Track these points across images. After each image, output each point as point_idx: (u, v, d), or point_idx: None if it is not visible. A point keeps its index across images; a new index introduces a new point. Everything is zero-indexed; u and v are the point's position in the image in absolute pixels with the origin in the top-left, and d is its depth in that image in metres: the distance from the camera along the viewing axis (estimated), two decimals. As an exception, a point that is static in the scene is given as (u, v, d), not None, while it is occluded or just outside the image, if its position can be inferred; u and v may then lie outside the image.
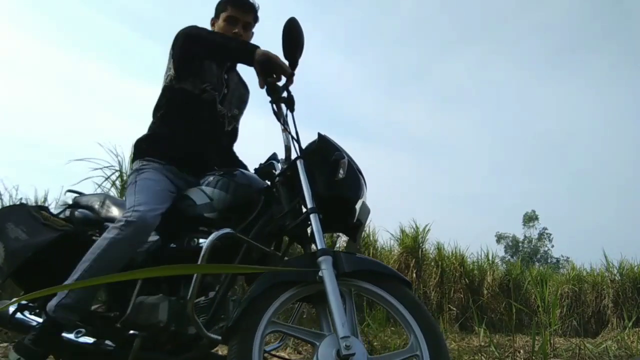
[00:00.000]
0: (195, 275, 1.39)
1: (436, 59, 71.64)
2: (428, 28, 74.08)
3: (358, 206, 1.49)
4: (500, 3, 73.31)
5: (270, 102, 1.59)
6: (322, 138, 1.58)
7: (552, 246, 39.14)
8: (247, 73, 1.96)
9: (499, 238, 39.90)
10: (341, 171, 1.45)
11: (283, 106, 1.61)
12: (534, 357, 2.87)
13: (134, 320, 1.49)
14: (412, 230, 6.40)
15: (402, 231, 6.46)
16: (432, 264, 6.35)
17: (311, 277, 1.29)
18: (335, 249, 1.45)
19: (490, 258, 6.93)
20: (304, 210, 1.44)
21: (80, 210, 1.92)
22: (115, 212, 1.86)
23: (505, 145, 65.06)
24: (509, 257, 34.58)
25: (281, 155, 1.71)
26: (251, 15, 1.87)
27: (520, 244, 39.96)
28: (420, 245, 6.32)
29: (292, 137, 1.59)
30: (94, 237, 1.72)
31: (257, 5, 1.88)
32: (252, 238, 1.53)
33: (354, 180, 1.50)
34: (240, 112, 2.01)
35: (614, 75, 62.77)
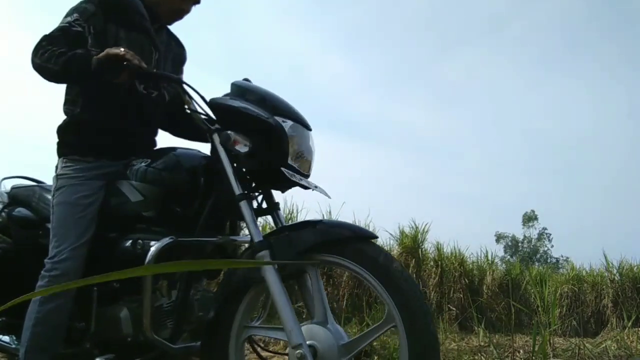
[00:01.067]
0: (145, 284, 1.30)
1: (436, 59, 71.63)
2: (428, 28, 74.05)
3: (295, 161, 1.33)
4: (500, 3, 73.28)
5: (145, 90, 1.45)
6: (213, 103, 1.39)
7: (552, 246, 39.19)
8: (176, 28, 1.81)
9: (499, 238, 39.90)
10: (246, 143, 1.29)
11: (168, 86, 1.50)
12: (533, 357, 2.86)
13: (99, 336, 1.42)
14: (412, 230, 6.40)
15: (402, 231, 6.45)
16: (432, 263, 6.34)
17: (257, 278, 1.21)
18: (274, 232, 1.29)
19: (489, 258, 6.93)
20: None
21: (18, 209, 1.72)
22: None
23: (505, 145, 65.05)
24: (509, 257, 34.56)
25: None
26: None
27: (519, 244, 39.97)
28: (420, 245, 6.31)
29: (196, 111, 1.44)
30: (40, 240, 1.60)
31: None
32: (201, 228, 1.40)
33: (275, 141, 1.30)
34: (180, 73, 1.86)
35: (613, 75, 62.76)
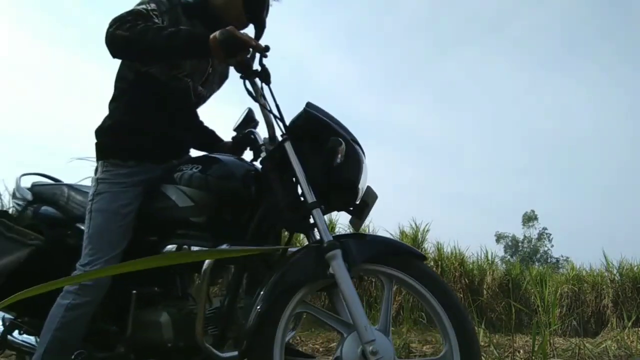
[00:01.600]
0: (200, 289, 1.29)
1: (436, 59, 71.63)
2: (427, 28, 74.05)
3: (361, 186, 1.36)
4: (500, 2, 73.29)
5: (241, 77, 1.38)
6: (309, 113, 1.39)
7: (552, 246, 39.23)
8: None
9: (499, 238, 39.94)
10: (339, 156, 1.30)
11: (257, 81, 1.40)
12: (533, 357, 2.86)
13: (136, 341, 1.40)
14: (412, 230, 6.40)
15: (402, 231, 6.46)
16: (432, 263, 6.34)
17: (321, 274, 1.20)
18: (341, 235, 1.31)
19: (489, 258, 6.94)
20: (302, 199, 1.30)
21: (44, 208, 1.71)
22: (83, 206, 1.63)
23: (505, 144, 65.06)
24: (509, 256, 34.58)
25: (261, 128, 1.53)
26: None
27: (519, 244, 39.98)
28: (420, 245, 6.31)
29: (274, 115, 1.41)
30: (68, 240, 1.60)
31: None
32: (251, 237, 1.40)
33: (354, 163, 1.34)
34: (220, 87, 1.83)
35: (613, 75, 62.75)
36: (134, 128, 1.55)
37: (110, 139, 1.56)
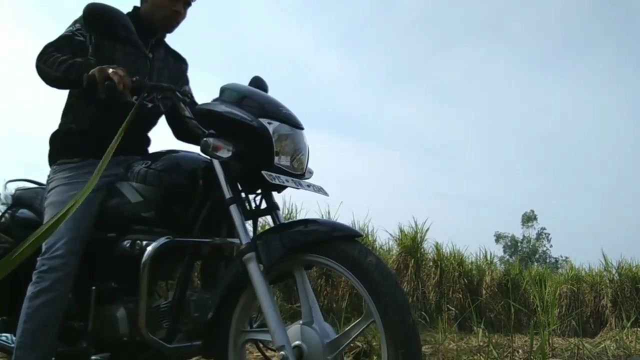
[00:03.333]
0: (140, 287, 1.32)
1: (436, 58, 71.71)
2: (426, 27, 74.14)
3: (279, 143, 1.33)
4: (500, 2, 73.42)
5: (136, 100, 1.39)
6: (201, 110, 1.42)
7: (551, 246, 39.30)
8: (175, 41, 1.86)
9: (498, 238, 39.98)
10: (230, 148, 1.29)
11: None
12: (532, 357, 2.86)
13: (97, 335, 1.43)
14: (411, 229, 6.40)
15: (401, 231, 6.45)
16: (431, 264, 6.35)
17: (245, 279, 1.22)
18: (262, 234, 1.30)
19: (488, 258, 6.94)
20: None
21: (21, 211, 1.74)
22: None
23: (505, 144, 65.14)
24: (508, 256, 34.61)
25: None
26: None
27: (519, 244, 40.02)
28: (420, 244, 6.31)
29: (191, 118, 1.46)
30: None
31: None
32: (198, 229, 1.42)
33: (257, 141, 1.31)
34: (184, 84, 1.90)
35: (613, 75, 62.89)
36: (79, 131, 1.67)
37: (58, 143, 1.69)
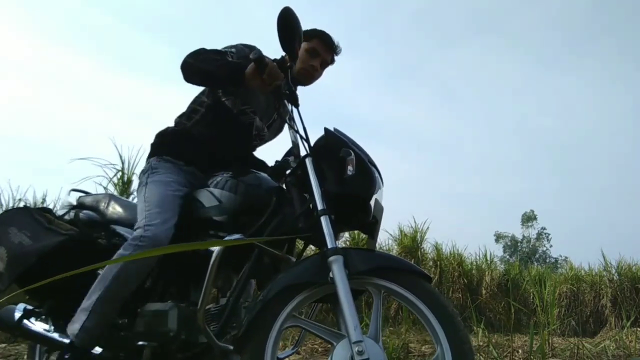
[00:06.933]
0: (205, 282, 1.35)
1: (436, 57, 71.72)
2: (426, 26, 74.14)
3: (372, 202, 1.42)
4: (500, 1, 73.41)
5: (276, 101, 1.57)
6: (328, 133, 1.51)
7: (551, 246, 39.28)
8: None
9: (498, 237, 40.00)
10: (350, 168, 1.38)
11: (287, 104, 1.59)
12: (532, 357, 2.87)
13: (142, 329, 1.47)
14: (411, 229, 6.40)
15: (401, 231, 6.46)
16: (431, 264, 6.35)
17: (323, 278, 1.25)
18: (348, 247, 1.39)
19: (488, 258, 6.95)
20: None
21: (85, 211, 1.87)
22: (120, 213, 1.83)
23: (504, 144, 65.16)
24: (508, 256, 34.61)
25: None
26: (331, 54, 1.87)
27: (518, 244, 40.02)
28: (419, 244, 6.32)
29: (299, 135, 1.56)
30: (99, 240, 1.70)
31: (339, 49, 1.88)
32: (264, 242, 1.48)
33: (365, 176, 1.41)
34: (276, 136, 2.07)
35: (613, 74, 62.90)
36: (194, 138, 1.78)
37: (169, 140, 1.79)
